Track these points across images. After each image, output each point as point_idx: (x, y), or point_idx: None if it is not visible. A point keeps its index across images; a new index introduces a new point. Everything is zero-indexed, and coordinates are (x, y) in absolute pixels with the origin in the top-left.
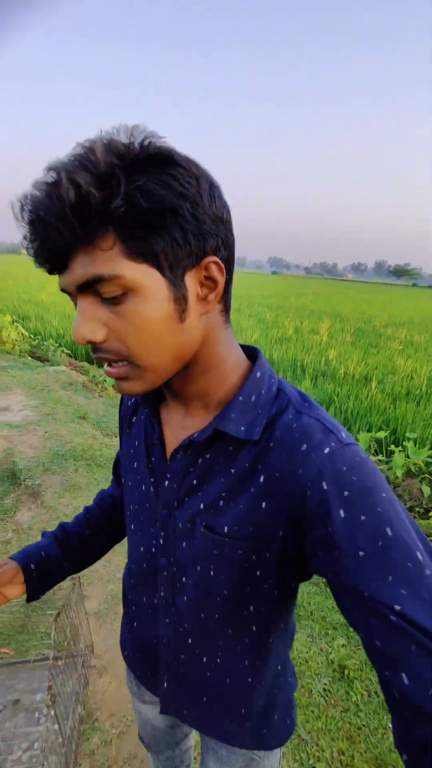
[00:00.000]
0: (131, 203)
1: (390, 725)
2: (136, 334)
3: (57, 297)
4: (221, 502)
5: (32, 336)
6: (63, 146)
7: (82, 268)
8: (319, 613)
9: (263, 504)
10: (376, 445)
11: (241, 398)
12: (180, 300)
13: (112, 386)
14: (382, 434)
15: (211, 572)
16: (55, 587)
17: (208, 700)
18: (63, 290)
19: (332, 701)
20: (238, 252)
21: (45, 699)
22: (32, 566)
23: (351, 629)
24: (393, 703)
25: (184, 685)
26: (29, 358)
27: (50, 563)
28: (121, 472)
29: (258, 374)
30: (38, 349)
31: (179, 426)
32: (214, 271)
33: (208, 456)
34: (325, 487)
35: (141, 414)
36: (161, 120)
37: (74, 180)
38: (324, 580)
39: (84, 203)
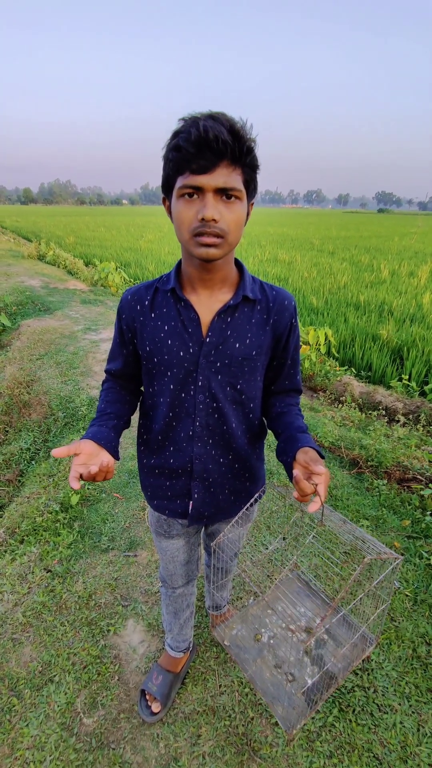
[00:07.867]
0: (252, 160)
1: None
2: (234, 222)
3: (153, 245)
4: (247, 339)
5: (132, 280)
6: None
7: (224, 177)
8: (354, 506)
9: (267, 329)
10: None
11: (246, 279)
12: (246, 214)
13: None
14: None
15: (238, 386)
16: None
17: (229, 491)
18: (196, 186)
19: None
20: (339, 190)
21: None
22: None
23: (378, 516)
24: (280, 419)
25: (209, 487)
26: None
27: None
28: (146, 350)
29: (244, 267)
30: None
31: (211, 301)
32: (250, 209)
33: (236, 314)
34: (293, 321)
35: (163, 307)
36: None
37: (231, 120)
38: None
39: (237, 135)
